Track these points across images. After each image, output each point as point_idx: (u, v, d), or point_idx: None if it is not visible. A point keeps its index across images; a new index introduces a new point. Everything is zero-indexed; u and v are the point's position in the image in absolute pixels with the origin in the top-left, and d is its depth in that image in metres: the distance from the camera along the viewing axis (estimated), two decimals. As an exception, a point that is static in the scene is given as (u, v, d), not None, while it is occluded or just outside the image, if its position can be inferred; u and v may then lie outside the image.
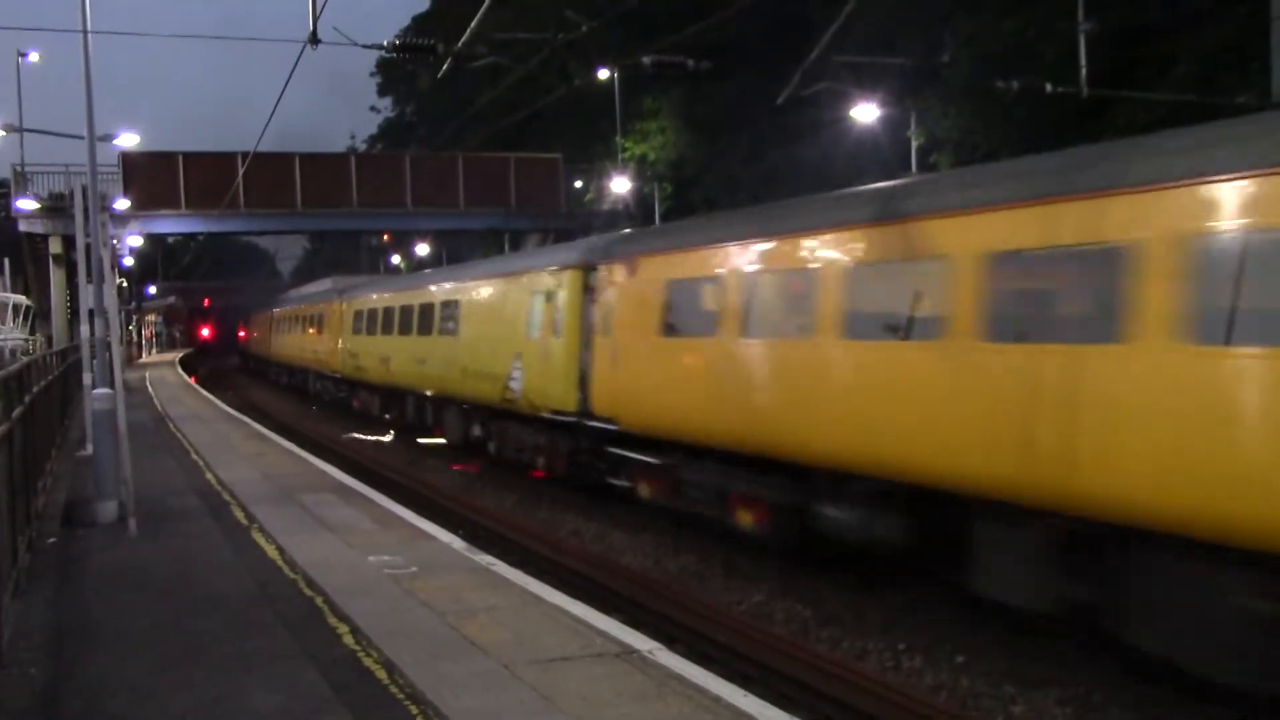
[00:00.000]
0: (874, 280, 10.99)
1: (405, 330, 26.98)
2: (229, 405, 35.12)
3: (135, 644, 7.97)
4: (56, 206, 35.51)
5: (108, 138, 32.90)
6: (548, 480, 20.07)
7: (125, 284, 52.14)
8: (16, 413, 10.16)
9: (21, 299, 40.81)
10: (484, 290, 22.03)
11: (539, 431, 18.87)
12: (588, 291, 16.66)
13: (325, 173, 39.67)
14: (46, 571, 10.39)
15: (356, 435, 30.13)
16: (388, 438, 29.44)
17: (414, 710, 6.48)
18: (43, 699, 6.96)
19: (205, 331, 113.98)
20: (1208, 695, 8.97)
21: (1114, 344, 8.26)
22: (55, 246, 36.91)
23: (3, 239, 42.84)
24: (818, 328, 11.31)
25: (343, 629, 8.15)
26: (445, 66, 16.38)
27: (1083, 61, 16.46)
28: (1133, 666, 9.64)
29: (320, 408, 42.26)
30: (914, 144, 21.89)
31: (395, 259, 72.25)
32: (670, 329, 14.25)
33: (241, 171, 36.08)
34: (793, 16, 31.95)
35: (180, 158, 38.21)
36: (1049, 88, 16.66)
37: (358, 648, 7.68)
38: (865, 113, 20.88)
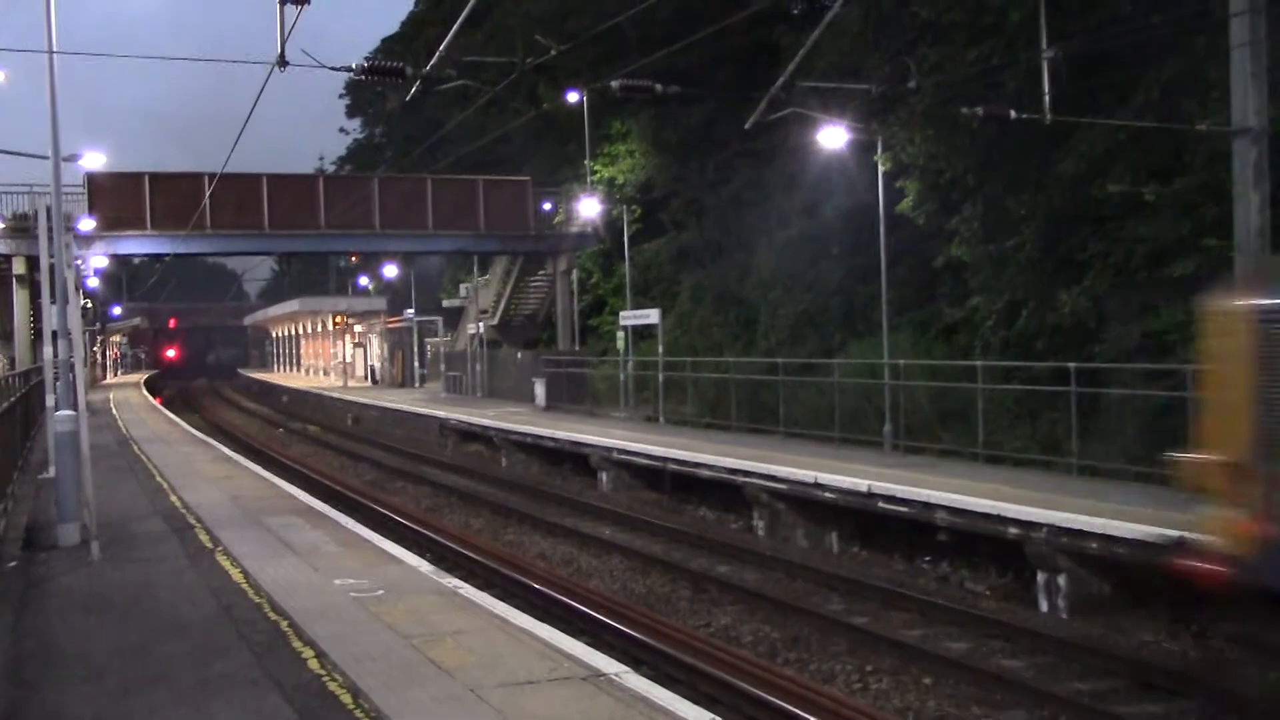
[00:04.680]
0: None
1: None
2: (194, 427, 34.87)
3: (98, 669, 7.88)
4: (20, 227, 35.18)
5: (73, 158, 32.62)
6: (514, 503, 20.02)
7: (90, 305, 51.71)
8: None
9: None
10: None
11: None
12: None
13: (293, 194, 39.44)
14: (7, 595, 10.27)
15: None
16: None
17: (379, 735, 6.45)
18: (2, 725, 6.88)
19: (171, 353, 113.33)
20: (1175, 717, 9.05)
21: None
22: (19, 267, 36.50)
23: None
24: None
25: (308, 653, 8.09)
26: (414, 89, 16.37)
27: (1045, 89, 16.63)
28: (1098, 689, 9.72)
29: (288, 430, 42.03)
30: (880, 169, 22.03)
31: (364, 280, 71.98)
32: None
33: (208, 192, 35.88)
34: (760, 42, 32.19)
35: (146, 178, 37.90)
36: (1012, 114, 16.84)
37: (323, 672, 7.63)
38: (833, 137, 21.02)
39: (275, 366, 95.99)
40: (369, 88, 64.47)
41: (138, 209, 37.14)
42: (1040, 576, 13.01)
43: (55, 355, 15.97)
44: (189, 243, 37.89)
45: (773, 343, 30.20)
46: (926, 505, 14.68)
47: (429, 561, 12.15)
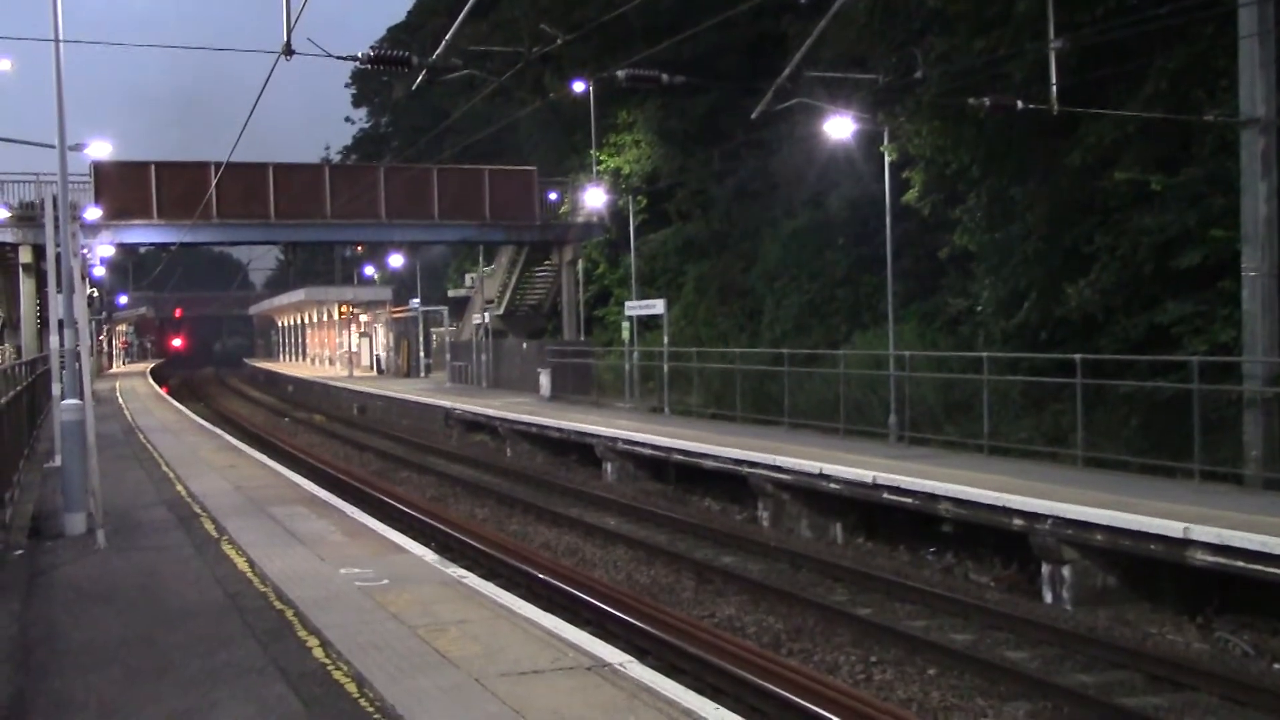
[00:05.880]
0: None
1: None
2: (199, 416, 34.94)
3: (103, 657, 7.91)
4: (26, 215, 35.19)
5: (79, 147, 32.61)
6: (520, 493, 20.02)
7: (96, 294, 51.76)
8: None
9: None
10: None
11: None
12: None
13: (299, 183, 39.42)
14: (13, 584, 10.30)
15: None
16: None
17: (384, 724, 6.46)
18: (8, 713, 6.90)
19: (177, 342, 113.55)
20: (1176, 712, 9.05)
21: None
22: (25, 256, 36.53)
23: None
24: None
25: (313, 642, 8.11)
26: (420, 78, 16.35)
27: (1053, 79, 16.56)
28: (1103, 680, 9.72)
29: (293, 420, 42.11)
30: (887, 159, 21.97)
31: (369, 270, 71.99)
32: None
33: (214, 181, 35.88)
34: (767, 32, 32.13)
35: (153, 167, 37.88)
36: (1020, 105, 16.78)
37: (328, 661, 7.64)
38: (839, 127, 20.97)
39: (281, 356, 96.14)
40: (375, 77, 64.50)
41: (144, 198, 37.15)
42: (1045, 568, 13.01)
43: (61, 344, 15.96)
44: (195, 232, 37.93)
45: (778, 333, 30.19)
46: (931, 496, 14.68)
47: (434, 551, 12.17)
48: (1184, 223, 17.01)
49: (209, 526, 13.10)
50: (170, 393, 50.49)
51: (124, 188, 37.17)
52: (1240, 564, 10.95)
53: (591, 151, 38.67)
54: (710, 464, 19.68)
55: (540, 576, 13.84)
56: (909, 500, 15.09)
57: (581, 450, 24.85)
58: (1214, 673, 10.26)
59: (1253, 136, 14.81)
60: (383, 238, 45.91)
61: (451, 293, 53.41)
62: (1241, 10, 14.89)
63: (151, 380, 58.39)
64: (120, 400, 39.00)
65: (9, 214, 35.72)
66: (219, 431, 28.11)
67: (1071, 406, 16.69)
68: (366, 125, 78.47)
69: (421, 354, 53.73)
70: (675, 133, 39.62)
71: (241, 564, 10.91)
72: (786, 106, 18.83)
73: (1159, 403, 16.50)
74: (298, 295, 73.90)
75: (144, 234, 38.97)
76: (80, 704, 6.95)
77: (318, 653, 7.84)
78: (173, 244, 41.87)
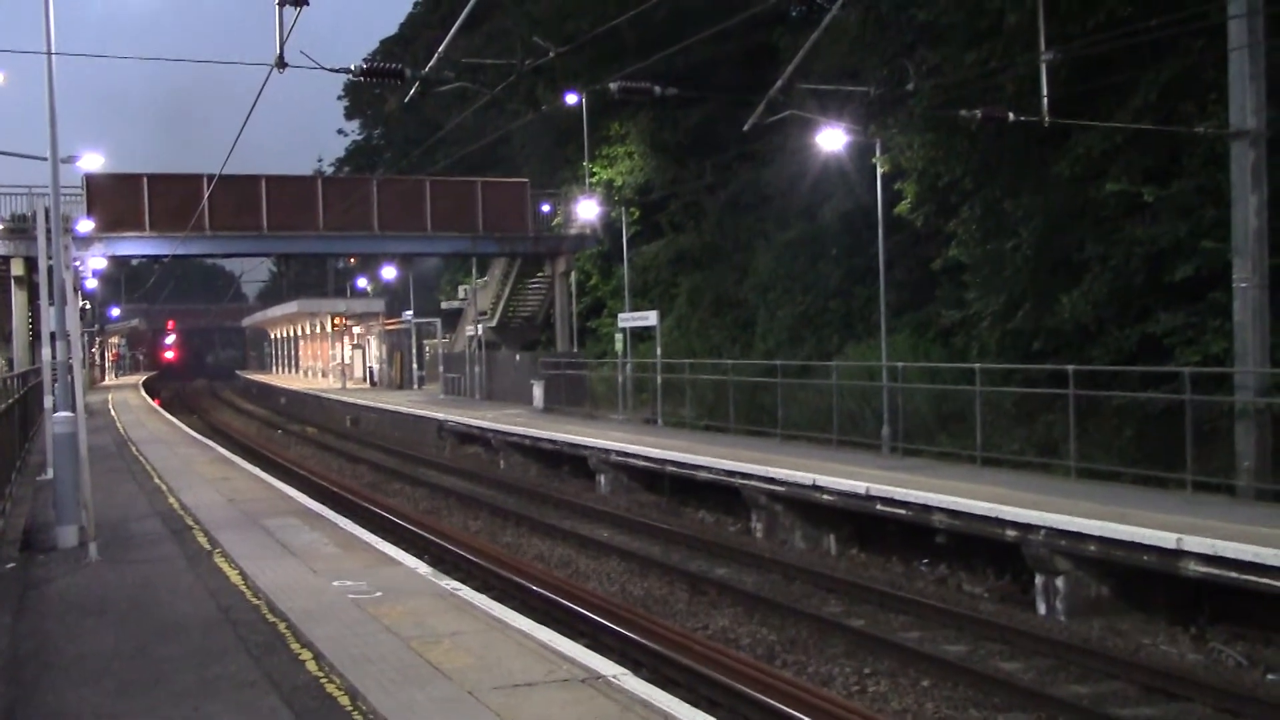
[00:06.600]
0: None
1: None
2: (192, 428, 34.87)
3: (95, 671, 7.88)
4: (19, 228, 35.13)
5: (71, 159, 32.59)
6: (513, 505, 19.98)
7: (88, 306, 51.66)
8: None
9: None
10: None
11: None
12: None
13: (291, 195, 39.35)
14: (5, 597, 10.26)
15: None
16: None
17: (377, 737, 6.44)
18: (0, 727, 6.88)
19: (169, 354, 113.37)
20: None
21: None
22: (17, 268, 36.45)
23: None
24: None
25: (305, 655, 8.09)
26: (412, 90, 16.38)
27: (1044, 91, 16.63)
28: (1097, 691, 9.73)
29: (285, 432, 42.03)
30: (879, 171, 22.02)
31: (362, 282, 71.88)
32: None
33: (207, 193, 35.84)
34: (759, 44, 32.21)
35: (145, 179, 37.81)
36: (1011, 116, 16.84)
37: (320, 674, 7.63)
38: (831, 139, 21.03)
39: (274, 368, 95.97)
40: (368, 89, 64.52)
41: (136, 210, 37.09)
42: (1038, 579, 13.02)
43: (54, 357, 15.96)
44: (187, 244, 37.86)
45: (771, 345, 30.22)
46: (924, 507, 14.69)
47: (427, 563, 12.14)
48: (1175, 234, 17.07)
49: (201, 539, 13.07)
50: (163, 405, 50.42)
51: (116, 200, 37.12)
52: (1233, 575, 10.97)
53: (584, 163, 38.70)
54: (704, 475, 19.68)
55: (534, 589, 13.83)
56: (902, 511, 15.10)
57: (575, 462, 24.83)
58: (1207, 683, 10.27)
59: (1243, 149, 14.88)
60: (375, 249, 45.87)
61: (445, 305, 53.36)
62: (1231, 23, 14.96)
63: (144, 393, 58.28)
64: (113, 413, 38.92)
65: (1, 227, 35.65)
66: (212, 444, 28.06)
67: (1064, 417, 16.72)
68: (359, 137, 78.46)
69: (415, 366, 53.68)
70: (668, 145, 39.66)
71: (234, 576, 10.89)
72: (779, 119, 18.89)
73: (1151, 414, 16.54)
74: (290, 307, 73.77)
75: (136, 246, 38.89)
76: (73, 717, 6.93)
77: (310, 665, 7.83)
78: (165, 256, 41.79)
